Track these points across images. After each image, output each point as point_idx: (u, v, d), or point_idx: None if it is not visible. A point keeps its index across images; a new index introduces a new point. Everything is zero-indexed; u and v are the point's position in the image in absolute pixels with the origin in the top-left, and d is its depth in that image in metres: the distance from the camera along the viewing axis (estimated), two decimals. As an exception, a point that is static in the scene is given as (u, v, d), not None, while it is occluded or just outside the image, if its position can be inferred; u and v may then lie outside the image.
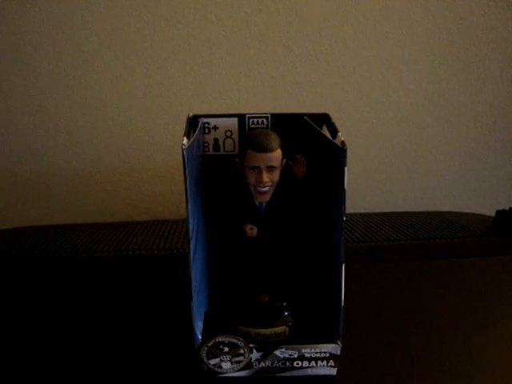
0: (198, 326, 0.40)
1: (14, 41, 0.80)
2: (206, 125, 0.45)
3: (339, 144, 0.36)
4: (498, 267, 0.59)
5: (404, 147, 0.93)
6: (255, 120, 0.46)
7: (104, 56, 0.82)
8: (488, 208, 0.96)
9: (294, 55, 0.85)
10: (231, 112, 0.46)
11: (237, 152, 0.46)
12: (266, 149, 0.40)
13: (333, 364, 0.39)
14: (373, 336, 0.45)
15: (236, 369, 0.39)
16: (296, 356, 0.39)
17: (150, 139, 0.87)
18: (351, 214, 0.82)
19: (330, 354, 0.39)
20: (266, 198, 0.42)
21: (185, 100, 0.86)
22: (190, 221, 0.36)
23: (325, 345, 0.39)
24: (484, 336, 0.45)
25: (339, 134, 0.38)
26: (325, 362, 0.39)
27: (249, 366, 0.39)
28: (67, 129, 0.86)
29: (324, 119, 0.44)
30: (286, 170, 0.42)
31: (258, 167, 0.40)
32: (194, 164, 0.39)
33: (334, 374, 0.39)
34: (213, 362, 0.39)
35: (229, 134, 0.46)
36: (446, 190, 0.98)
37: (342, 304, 0.37)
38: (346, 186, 0.35)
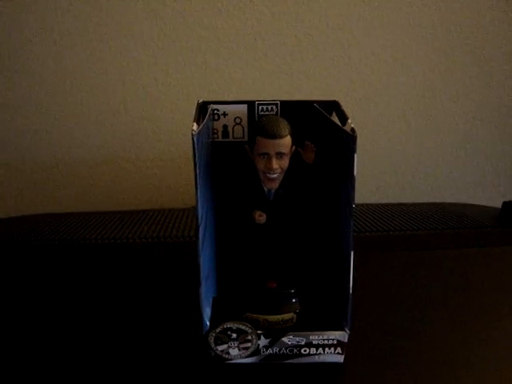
0: (206, 313, 0.40)
1: (25, 29, 0.80)
2: (216, 111, 0.45)
3: (349, 131, 0.35)
4: (505, 258, 0.60)
5: (410, 137, 0.93)
6: (264, 107, 0.45)
7: (111, 45, 0.82)
8: (494, 200, 0.96)
9: (301, 45, 0.85)
10: (238, 101, 0.46)
11: (246, 139, 0.46)
12: (275, 135, 0.39)
13: (340, 351, 0.39)
14: (380, 324, 0.45)
15: (244, 355, 0.39)
16: (303, 343, 0.39)
17: (156, 128, 0.87)
18: (357, 205, 0.81)
19: (337, 341, 0.39)
20: (275, 184, 0.42)
21: (191, 89, 0.86)
22: (199, 207, 0.36)
23: (332, 332, 0.39)
24: (491, 325, 0.45)
25: (349, 120, 0.38)
26: (332, 350, 0.39)
27: (256, 352, 0.39)
28: (73, 118, 0.86)
29: (333, 106, 0.44)
30: (295, 157, 0.42)
31: (267, 154, 0.40)
32: (203, 150, 0.38)
33: (342, 361, 0.39)
34: (221, 348, 0.39)
35: (238, 120, 0.46)
36: (455, 181, 0.97)
37: (351, 291, 0.37)
38: (355, 173, 0.35)
